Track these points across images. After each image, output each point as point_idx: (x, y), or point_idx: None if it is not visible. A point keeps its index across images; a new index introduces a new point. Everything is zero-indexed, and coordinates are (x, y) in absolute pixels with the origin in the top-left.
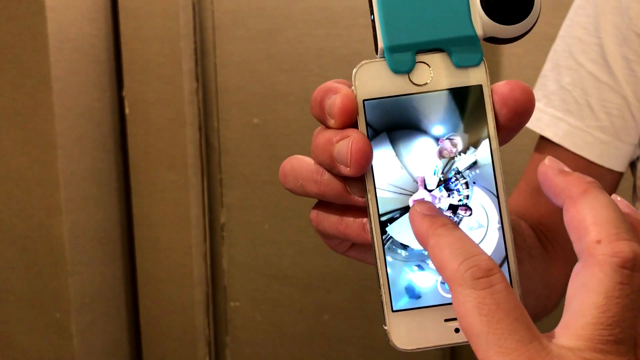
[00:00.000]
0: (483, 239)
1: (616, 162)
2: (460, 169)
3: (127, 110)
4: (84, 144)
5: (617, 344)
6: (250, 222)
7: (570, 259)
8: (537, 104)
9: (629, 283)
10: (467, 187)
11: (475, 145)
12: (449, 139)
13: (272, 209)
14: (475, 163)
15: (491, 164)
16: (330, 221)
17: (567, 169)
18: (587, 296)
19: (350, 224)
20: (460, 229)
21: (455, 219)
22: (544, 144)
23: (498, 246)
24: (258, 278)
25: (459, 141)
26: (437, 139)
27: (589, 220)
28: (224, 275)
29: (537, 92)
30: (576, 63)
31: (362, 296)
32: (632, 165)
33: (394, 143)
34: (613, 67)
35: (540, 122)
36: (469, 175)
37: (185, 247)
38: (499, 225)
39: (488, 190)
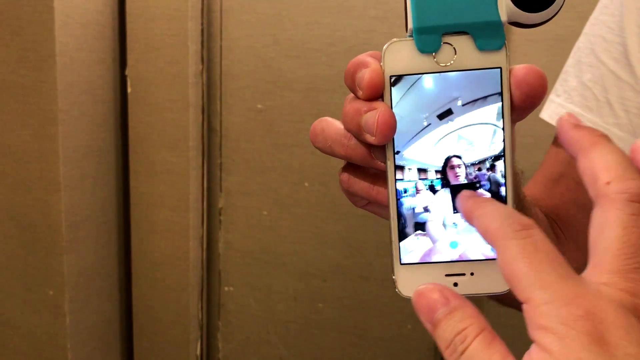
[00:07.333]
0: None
1: None
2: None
3: (129, 89)
4: (85, 121)
5: None
6: (249, 208)
7: (581, 247)
8: (557, 99)
9: None
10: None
11: (491, 122)
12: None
13: (271, 196)
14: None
15: (502, 139)
16: (362, 186)
17: (582, 123)
18: (607, 232)
19: (381, 191)
20: (497, 202)
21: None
22: None
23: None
24: (254, 264)
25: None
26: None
27: (599, 166)
28: (220, 259)
29: (558, 87)
30: (598, 60)
31: (357, 286)
32: None
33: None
34: (635, 67)
35: None
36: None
37: (182, 229)
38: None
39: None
